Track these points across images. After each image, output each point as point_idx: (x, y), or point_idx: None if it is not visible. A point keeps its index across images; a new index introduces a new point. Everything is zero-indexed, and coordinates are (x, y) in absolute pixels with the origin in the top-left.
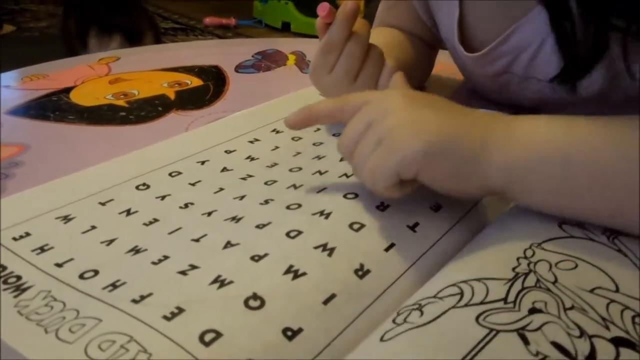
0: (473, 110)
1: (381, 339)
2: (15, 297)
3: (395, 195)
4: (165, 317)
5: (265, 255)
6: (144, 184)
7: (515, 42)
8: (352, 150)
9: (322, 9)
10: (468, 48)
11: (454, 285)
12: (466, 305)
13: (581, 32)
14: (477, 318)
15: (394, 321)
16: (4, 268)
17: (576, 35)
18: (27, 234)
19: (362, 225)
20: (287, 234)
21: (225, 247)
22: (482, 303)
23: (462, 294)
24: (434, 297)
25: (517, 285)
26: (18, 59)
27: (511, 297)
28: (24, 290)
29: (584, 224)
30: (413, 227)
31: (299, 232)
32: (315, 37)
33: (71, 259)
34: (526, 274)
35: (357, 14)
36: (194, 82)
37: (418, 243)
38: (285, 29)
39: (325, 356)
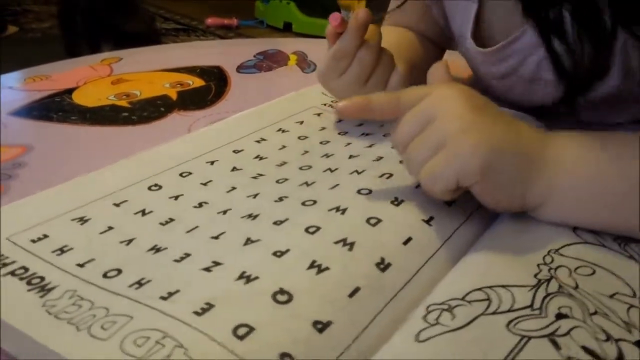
0: (517, 122)
1: (417, 339)
2: (42, 297)
3: (448, 198)
4: (196, 313)
5: (287, 251)
6: (155, 185)
7: (525, 42)
8: (407, 143)
9: (334, 18)
10: (480, 46)
11: (480, 290)
12: (494, 312)
13: (579, 54)
14: (507, 325)
15: (425, 319)
16: (26, 269)
17: (574, 56)
18: (45, 236)
19: (379, 220)
20: (306, 230)
21: (245, 243)
22: (510, 310)
23: (489, 300)
24: (462, 299)
25: (541, 292)
26: (20, 60)
27: (537, 304)
28: (49, 290)
29: (597, 231)
30: (428, 221)
31: (318, 228)
32: (317, 37)
33: (92, 259)
34: (548, 280)
35: (369, 22)
36: (196, 82)
37: (434, 236)
38: (286, 29)
39: (354, 348)
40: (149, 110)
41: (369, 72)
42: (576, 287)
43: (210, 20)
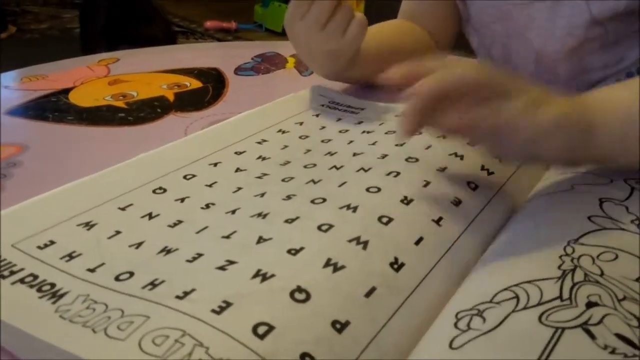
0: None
1: (451, 347)
2: (54, 303)
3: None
4: (214, 311)
5: (302, 249)
6: (160, 188)
7: None
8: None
9: None
10: None
11: (506, 289)
12: (525, 308)
13: None
14: (539, 318)
15: (456, 326)
16: (36, 277)
17: None
18: (52, 242)
19: (391, 219)
20: (319, 228)
21: (258, 242)
22: (539, 304)
23: (517, 297)
24: (490, 302)
25: (568, 282)
26: (18, 61)
27: (565, 294)
28: (61, 296)
29: (611, 215)
30: (438, 221)
31: (330, 226)
32: None
33: (102, 264)
34: (573, 270)
35: None
36: (193, 84)
37: (444, 237)
38: (285, 33)
39: (372, 348)
40: (145, 111)
41: (327, 17)
42: (602, 274)
43: (209, 24)
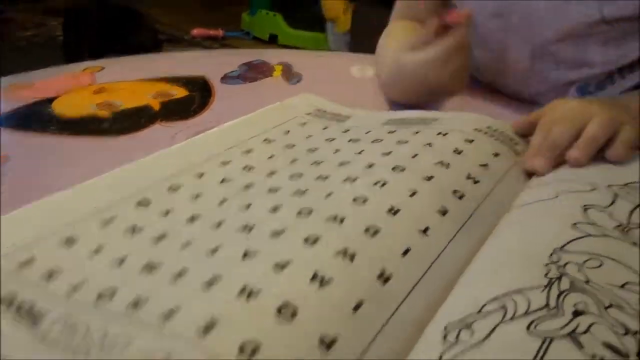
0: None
1: None
2: (33, 324)
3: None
4: (198, 331)
5: (288, 262)
6: (144, 200)
7: None
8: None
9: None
10: None
11: (494, 300)
12: (512, 318)
13: None
14: (527, 328)
15: (445, 339)
16: (14, 296)
17: None
18: (33, 259)
19: (377, 230)
20: (305, 240)
21: (244, 256)
22: (527, 314)
23: (505, 308)
24: (478, 313)
25: (554, 290)
26: (3, 68)
27: (552, 303)
28: (40, 317)
29: (596, 222)
30: (424, 231)
31: (317, 238)
32: (301, 49)
33: (83, 282)
34: (559, 278)
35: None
36: (179, 92)
37: (431, 247)
38: (272, 41)
39: None
40: (130, 121)
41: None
42: (587, 282)
43: (195, 31)
